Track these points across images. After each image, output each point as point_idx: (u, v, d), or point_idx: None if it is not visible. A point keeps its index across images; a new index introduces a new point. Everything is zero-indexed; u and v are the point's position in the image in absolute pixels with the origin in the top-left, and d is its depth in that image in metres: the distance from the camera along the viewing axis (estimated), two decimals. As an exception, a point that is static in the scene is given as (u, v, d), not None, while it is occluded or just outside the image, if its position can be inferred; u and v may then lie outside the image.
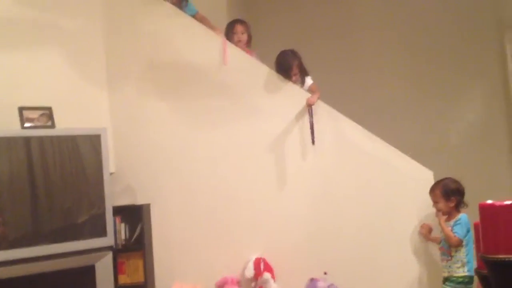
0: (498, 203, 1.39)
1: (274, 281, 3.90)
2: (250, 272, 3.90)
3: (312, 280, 3.84)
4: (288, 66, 4.10)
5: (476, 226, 1.50)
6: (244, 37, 4.34)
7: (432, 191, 3.59)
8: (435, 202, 3.56)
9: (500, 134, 5.55)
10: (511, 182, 5.21)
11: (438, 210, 3.55)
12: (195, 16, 4.30)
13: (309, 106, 3.95)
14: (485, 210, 1.38)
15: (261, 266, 3.90)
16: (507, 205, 1.38)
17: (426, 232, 3.73)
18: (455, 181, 3.56)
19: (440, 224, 3.53)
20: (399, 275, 3.82)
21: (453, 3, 5.73)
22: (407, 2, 5.85)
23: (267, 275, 3.85)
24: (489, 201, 1.40)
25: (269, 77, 4.12)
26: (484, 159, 5.39)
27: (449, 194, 3.50)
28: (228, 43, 4.17)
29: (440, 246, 3.59)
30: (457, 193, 3.52)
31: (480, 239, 1.42)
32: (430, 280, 3.75)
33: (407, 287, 3.79)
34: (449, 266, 3.48)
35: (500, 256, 1.32)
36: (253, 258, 3.97)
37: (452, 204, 3.50)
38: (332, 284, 3.81)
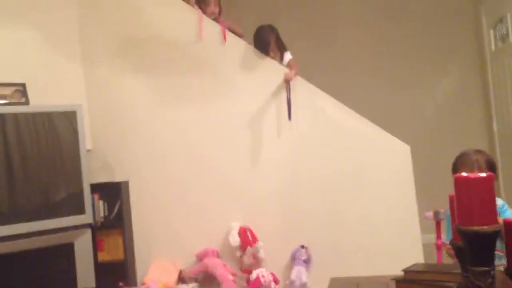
0: (472, 175, 1.41)
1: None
2: (235, 241, 3.92)
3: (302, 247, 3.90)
4: (265, 41, 4.07)
5: (451, 198, 1.52)
6: (217, 9, 4.25)
7: (466, 166, 2.69)
8: None
9: (476, 106, 5.63)
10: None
11: None
12: None
13: (287, 82, 3.94)
14: (460, 182, 1.40)
15: (249, 235, 3.92)
16: (481, 177, 1.40)
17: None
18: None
19: None
20: (374, 249, 3.88)
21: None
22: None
23: (260, 244, 3.89)
24: (464, 174, 1.42)
25: (246, 52, 4.09)
26: (459, 131, 5.47)
27: (494, 170, 2.68)
28: (204, 17, 4.12)
29: None
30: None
31: (455, 211, 1.44)
32: (406, 253, 3.81)
33: (382, 257, 3.86)
34: None
35: (475, 227, 1.35)
36: (236, 227, 3.99)
37: None
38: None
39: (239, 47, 4.10)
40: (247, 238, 3.91)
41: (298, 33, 5.35)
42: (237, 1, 5.76)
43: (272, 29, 4.15)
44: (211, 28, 4.11)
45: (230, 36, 4.12)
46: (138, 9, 4.17)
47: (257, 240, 3.93)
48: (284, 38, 4.21)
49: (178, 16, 4.15)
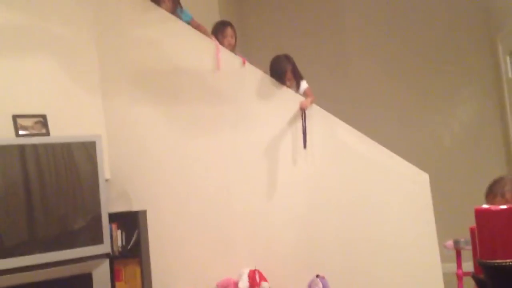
0: (494, 207, 1.39)
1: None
2: (244, 284, 3.89)
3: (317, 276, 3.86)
4: (282, 71, 4.11)
5: (472, 231, 1.50)
6: (233, 41, 4.35)
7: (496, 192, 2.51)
8: None
9: (494, 134, 5.59)
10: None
11: None
12: (190, 22, 4.31)
13: (302, 110, 3.95)
14: (481, 214, 1.38)
15: (257, 277, 3.89)
16: (503, 210, 1.38)
17: None
18: None
19: None
20: (394, 279, 3.82)
21: (444, 3, 5.78)
22: (399, 4, 5.89)
23: (265, 284, 3.86)
24: (485, 206, 1.40)
25: (262, 81, 4.13)
26: (478, 161, 5.42)
27: None
28: (221, 48, 4.17)
29: None
30: None
31: (476, 244, 1.42)
32: (425, 283, 3.76)
33: (401, 287, 3.80)
34: None
35: (497, 261, 1.33)
36: (247, 271, 3.95)
37: None
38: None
39: (255, 77, 4.14)
40: (255, 280, 3.89)
41: (313, 63, 5.38)
42: (252, 33, 5.84)
43: (288, 58, 4.19)
44: (228, 58, 4.16)
45: (247, 65, 4.16)
46: (156, 40, 4.23)
47: (265, 280, 3.90)
48: (300, 68, 4.24)
49: (195, 47, 4.20)
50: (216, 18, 4.91)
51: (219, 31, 4.34)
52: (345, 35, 6.00)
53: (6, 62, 3.83)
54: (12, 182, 3.50)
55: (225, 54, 4.18)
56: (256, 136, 4.09)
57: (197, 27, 4.29)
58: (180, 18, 4.28)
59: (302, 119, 3.95)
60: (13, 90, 3.80)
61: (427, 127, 5.73)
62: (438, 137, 5.71)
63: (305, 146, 3.93)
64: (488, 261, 1.36)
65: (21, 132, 3.61)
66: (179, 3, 4.40)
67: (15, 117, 3.62)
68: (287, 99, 4.07)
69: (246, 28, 5.78)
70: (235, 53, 4.29)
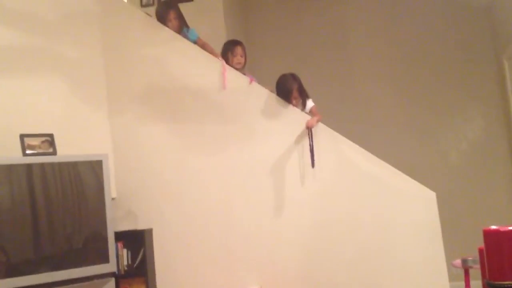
0: (502, 228, 1.38)
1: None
2: None
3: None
4: (288, 90, 4.12)
5: (480, 251, 1.49)
6: (243, 60, 4.37)
7: None
8: None
9: (501, 152, 5.57)
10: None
11: None
12: (196, 41, 4.34)
13: (309, 128, 3.96)
14: (489, 236, 1.37)
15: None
16: (511, 231, 1.37)
17: None
18: None
19: None
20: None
21: (451, 22, 5.81)
22: (406, 22, 5.92)
23: None
24: (493, 227, 1.39)
25: (268, 100, 4.14)
26: (485, 178, 5.40)
27: None
28: (227, 67, 4.19)
29: None
30: None
31: (485, 264, 1.41)
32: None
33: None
34: None
35: (506, 282, 1.32)
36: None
37: None
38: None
39: (262, 95, 4.15)
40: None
41: (319, 82, 5.40)
42: (258, 51, 5.88)
43: (294, 77, 4.20)
44: (235, 77, 4.18)
45: (254, 84, 4.18)
46: (162, 59, 4.27)
47: None
48: (306, 86, 4.25)
49: (201, 66, 4.22)
50: (223, 37, 4.95)
51: (229, 49, 4.36)
52: (351, 53, 6.02)
53: (14, 82, 3.87)
54: (19, 201, 3.51)
55: (232, 73, 4.19)
56: (262, 154, 4.08)
57: (203, 45, 4.32)
58: (186, 37, 4.32)
59: (309, 138, 3.95)
60: (21, 109, 3.83)
61: (434, 145, 5.72)
62: (445, 155, 5.70)
63: (313, 165, 3.93)
64: (497, 282, 1.35)
65: (28, 152, 3.62)
66: (185, 22, 4.43)
67: (22, 137, 3.63)
68: (293, 118, 4.07)
69: (252, 47, 5.80)
70: (244, 72, 4.31)
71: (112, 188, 3.91)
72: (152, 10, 5.14)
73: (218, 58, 4.23)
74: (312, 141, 3.95)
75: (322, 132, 4.03)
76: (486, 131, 5.63)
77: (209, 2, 5.47)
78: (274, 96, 4.15)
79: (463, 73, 5.71)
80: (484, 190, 5.18)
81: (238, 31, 5.86)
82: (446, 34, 5.80)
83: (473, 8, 5.69)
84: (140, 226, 4.14)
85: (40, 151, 3.66)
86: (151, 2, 5.61)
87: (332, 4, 6.15)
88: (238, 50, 4.37)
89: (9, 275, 3.37)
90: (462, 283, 4.19)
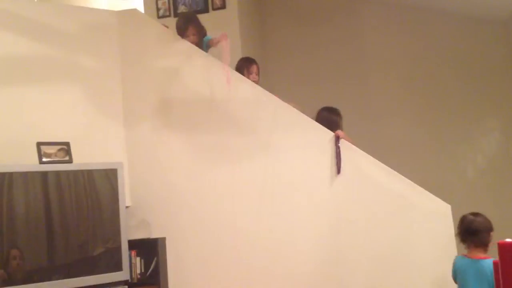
0: (517, 241, 1.36)
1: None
2: None
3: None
4: (335, 123, 4.18)
5: (495, 265, 1.47)
6: (257, 78, 4.40)
7: None
8: None
9: (518, 166, 5.51)
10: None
11: None
12: (210, 43, 4.37)
13: (337, 137, 3.96)
14: (505, 249, 1.36)
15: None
16: (527, 244, 1.35)
17: None
18: None
19: None
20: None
21: (467, 35, 5.77)
22: (422, 36, 5.90)
23: None
24: (509, 240, 1.38)
25: (284, 111, 4.14)
26: (501, 192, 5.34)
27: None
28: (243, 78, 4.21)
29: None
30: None
31: (500, 278, 1.39)
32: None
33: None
34: None
35: (521, 296, 1.30)
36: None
37: None
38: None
39: (278, 108, 4.14)
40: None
41: (336, 99, 5.36)
42: (273, 70, 5.91)
43: (338, 113, 4.32)
44: (252, 89, 4.19)
45: (272, 97, 4.18)
46: (177, 71, 4.29)
47: None
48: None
49: (218, 78, 4.21)
50: (238, 54, 4.96)
51: (244, 66, 4.39)
52: (367, 68, 6.01)
53: (33, 92, 3.94)
54: (34, 208, 3.55)
55: (249, 86, 4.21)
56: (277, 167, 4.07)
57: (216, 44, 4.32)
58: (203, 47, 4.34)
59: (336, 145, 3.95)
60: (38, 118, 3.89)
61: (450, 158, 5.67)
62: (461, 168, 5.64)
63: (339, 171, 3.92)
64: (512, 296, 1.33)
65: (44, 159, 3.67)
66: (204, 34, 4.45)
67: (39, 145, 3.68)
68: (310, 131, 4.06)
69: (267, 66, 5.84)
70: None
71: (126, 197, 3.93)
72: (168, 21, 5.19)
73: (224, 66, 4.16)
74: (339, 148, 3.94)
75: (340, 146, 4.01)
76: (503, 145, 5.57)
77: (225, 15, 5.50)
78: (289, 107, 4.14)
79: (481, 87, 5.66)
80: (499, 203, 5.12)
81: (254, 49, 5.83)
82: (463, 48, 5.77)
83: (490, 22, 5.66)
84: (154, 235, 4.15)
85: (56, 159, 3.70)
86: (167, 13, 5.65)
87: (349, 17, 6.14)
88: (254, 68, 4.40)
89: (22, 281, 3.40)
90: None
